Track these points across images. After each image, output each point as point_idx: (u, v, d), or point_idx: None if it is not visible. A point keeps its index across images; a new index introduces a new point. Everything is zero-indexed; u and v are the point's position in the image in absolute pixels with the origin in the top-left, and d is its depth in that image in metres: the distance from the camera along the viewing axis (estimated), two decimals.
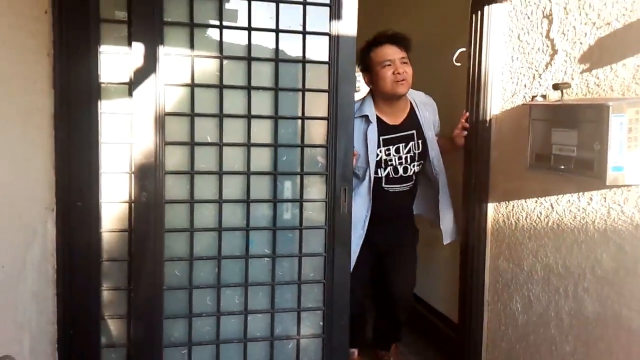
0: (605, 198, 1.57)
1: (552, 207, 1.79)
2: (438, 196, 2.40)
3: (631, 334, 1.51)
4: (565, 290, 1.74)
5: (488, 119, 2.13)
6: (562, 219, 1.75)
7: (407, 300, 2.59)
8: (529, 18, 1.88)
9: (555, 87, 1.69)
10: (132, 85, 1.82)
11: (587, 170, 1.53)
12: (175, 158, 1.91)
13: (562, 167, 1.61)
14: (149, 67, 1.82)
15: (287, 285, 2.07)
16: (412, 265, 2.57)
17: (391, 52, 2.26)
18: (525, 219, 1.93)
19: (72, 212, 1.81)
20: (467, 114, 2.26)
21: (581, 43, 1.65)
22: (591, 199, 1.63)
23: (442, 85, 2.64)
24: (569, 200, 1.72)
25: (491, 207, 2.14)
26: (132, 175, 1.85)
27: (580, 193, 1.67)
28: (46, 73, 1.74)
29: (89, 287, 1.85)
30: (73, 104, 1.79)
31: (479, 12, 2.10)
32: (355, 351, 2.68)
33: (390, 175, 2.34)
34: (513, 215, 2.00)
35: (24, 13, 1.58)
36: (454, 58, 2.27)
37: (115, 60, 1.83)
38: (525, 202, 1.92)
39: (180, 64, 1.88)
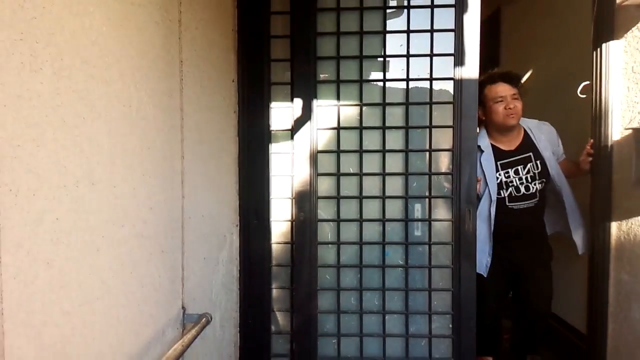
0: None
1: None
2: (566, 210, 2.56)
3: None
4: None
5: (609, 144, 2.26)
6: None
7: (545, 313, 2.75)
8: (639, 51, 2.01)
9: None
10: (293, 131, 2.36)
11: None
12: (325, 186, 2.40)
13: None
14: (305, 116, 2.34)
15: (419, 292, 2.43)
16: (547, 280, 2.73)
17: (503, 90, 2.50)
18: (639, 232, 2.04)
19: (250, 228, 2.40)
20: (592, 140, 2.39)
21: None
22: None
23: (572, 115, 2.77)
24: None
25: (614, 225, 2.26)
26: (293, 200, 2.38)
27: None
28: (233, 124, 2.34)
29: (262, 286, 2.43)
30: (252, 147, 2.38)
31: (599, 49, 2.24)
32: (490, 359, 2.90)
33: (513, 194, 2.57)
34: (632, 231, 2.11)
35: (219, 80, 2.19)
36: (579, 90, 2.41)
37: (282, 113, 2.38)
38: (638, 218, 2.03)
39: (329, 112, 2.37)
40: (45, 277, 0.93)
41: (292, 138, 2.37)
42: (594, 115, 2.33)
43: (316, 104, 2.35)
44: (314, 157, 2.36)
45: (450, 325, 2.42)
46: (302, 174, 2.37)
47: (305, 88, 2.34)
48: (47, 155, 0.93)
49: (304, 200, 2.37)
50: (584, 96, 2.42)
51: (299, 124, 2.35)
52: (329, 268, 2.43)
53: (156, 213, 1.40)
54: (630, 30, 2.08)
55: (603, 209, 2.31)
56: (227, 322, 2.26)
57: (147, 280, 1.35)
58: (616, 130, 2.22)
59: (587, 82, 2.38)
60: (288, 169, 2.40)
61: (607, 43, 2.20)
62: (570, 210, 2.56)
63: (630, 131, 2.12)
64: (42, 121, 0.91)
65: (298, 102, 2.34)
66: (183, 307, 1.62)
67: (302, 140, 2.36)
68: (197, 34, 1.80)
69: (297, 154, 2.37)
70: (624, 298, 2.18)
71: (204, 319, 1.59)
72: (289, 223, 2.42)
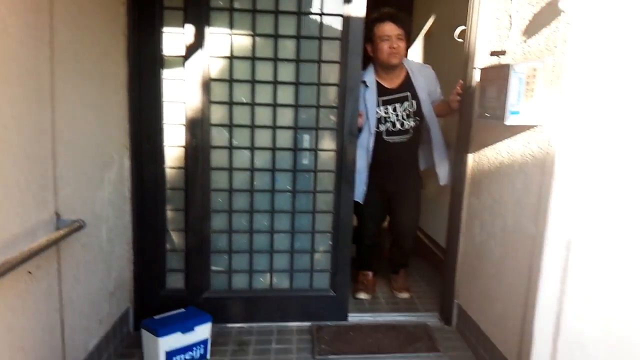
0: (523, 139, 1.99)
1: (499, 152, 2.24)
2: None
3: (528, 237, 1.97)
4: (500, 214, 2.21)
5: (473, 84, 2.53)
6: (503, 160, 2.19)
7: (411, 232, 3.15)
8: (501, 0, 2.25)
9: (492, 53, 2.10)
10: (185, 58, 2.39)
11: (499, 115, 1.95)
12: (218, 114, 2.49)
13: (487, 114, 2.06)
14: (197, 43, 2.37)
15: (305, 213, 2.68)
16: (415, 204, 3.09)
17: (390, 29, 2.68)
18: (485, 163, 2.39)
19: (143, 152, 2.46)
20: (462, 82, 2.66)
21: (524, 19, 2.02)
22: (515, 141, 2.06)
23: (449, 59, 3.01)
24: (507, 145, 2.15)
25: (470, 157, 2.59)
26: (186, 126, 2.46)
27: (511, 137, 2.10)
28: (121, 47, 2.31)
29: (156, 207, 2.54)
30: (143, 72, 2.38)
31: None
32: (370, 273, 3.26)
33: (389, 129, 2.84)
34: (480, 161, 2.45)
35: (106, 3, 2.13)
36: (456, 35, 2.63)
37: (175, 38, 2.38)
38: (487, 149, 2.37)
39: (222, 40, 2.41)
40: None
41: (184, 65, 2.40)
42: (465, 59, 2.58)
43: (209, 31, 2.38)
44: (206, 85, 2.42)
45: (330, 242, 2.71)
46: (194, 101, 2.43)
47: (197, 14, 2.35)
48: None
49: (196, 127, 2.46)
50: (461, 40, 2.65)
51: (191, 50, 2.38)
52: (222, 192, 2.59)
53: (18, 121, 1.45)
54: None
55: (464, 143, 2.63)
56: (118, 238, 2.37)
57: (11, 182, 1.44)
58: (479, 73, 2.49)
59: (464, 27, 2.60)
60: (181, 96, 2.44)
61: None
62: (436, 146, 2.88)
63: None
64: None
65: (190, 28, 2.35)
66: (57, 214, 1.70)
67: (195, 67, 2.40)
68: None
69: (190, 81, 2.41)
70: (471, 218, 2.58)
71: (77, 224, 1.72)
72: (183, 149, 2.50)
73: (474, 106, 2.49)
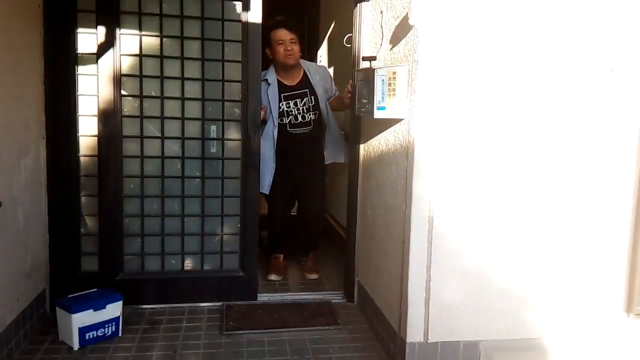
0: (394, 131, 2.37)
1: (379, 141, 2.60)
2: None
3: (401, 215, 2.30)
4: (383, 195, 2.55)
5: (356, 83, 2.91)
6: (382, 148, 2.56)
7: (317, 216, 3.47)
8: (376, 13, 2.65)
9: (364, 59, 2.50)
10: (98, 56, 2.65)
11: (369, 110, 2.32)
12: (130, 107, 2.75)
13: (363, 110, 2.43)
14: (109, 43, 2.63)
15: (214, 198, 2.94)
16: (319, 190, 3.43)
17: (283, 34, 3.06)
18: (372, 152, 2.74)
19: (57, 141, 2.67)
20: (351, 81, 3.04)
21: (390, 30, 2.42)
22: (390, 133, 2.42)
23: (345, 61, 3.40)
24: (385, 136, 2.52)
25: (362, 146, 2.95)
26: (98, 117, 2.69)
27: (387, 130, 2.47)
28: (38, 45, 2.55)
29: (71, 193, 2.74)
30: (58, 68, 2.62)
31: (356, 7, 2.86)
32: (281, 256, 3.53)
33: (292, 122, 3.19)
34: (368, 150, 2.81)
35: (22, 6, 2.38)
36: (345, 40, 3.03)
37: (88, 38, 2.64)
38: (372, 139, 2.73)
39: (132, 41, 2.69)
40: None
41: (97, 62, 2.65)
42: (352, 61, 2.97)
43: (119, 32, 2.66)
44: (118, 80, 2.68)
45: (239, 225, 2.98)
46: (106, 95, 2.68)
47: (109, 17, 2.62)
48: None
49: (109, 118, 2.70)
50: (349, 45, 3.05)
51: (103, 49, 2.64)
52: (134, 178, 2.82)
53: None
54: None
55: (355, 134, 3.00)
56: (35, 222, 2.56)
57: None
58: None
59: (350, 34, 3.00)
60: (94, 90, 2.69)
61: (361, 4, 2.81)
62: (328, 134, 3.29)
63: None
64: None
65: (102, 29, 2.62)
66: None
67: (107, 64, 2.66)
68: None
69: (102, 77, 2.66)
70: (364, 201, 2.93)
71: None
72: (96, 138, 2.73)
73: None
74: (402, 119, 2.25)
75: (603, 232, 2.27)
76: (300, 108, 3.18)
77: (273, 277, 3.35)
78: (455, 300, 2.21)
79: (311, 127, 3.24)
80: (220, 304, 2.96)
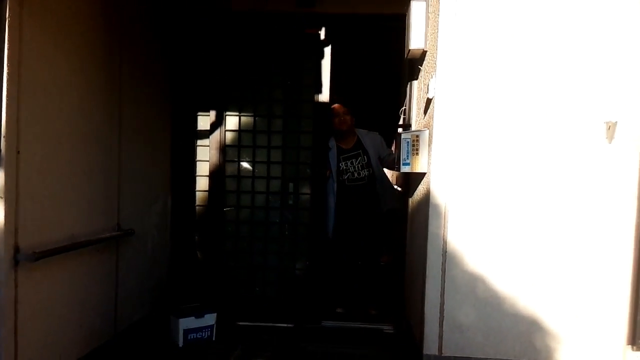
0: (422, 182, 2.91)
1: (418, 193, 3.15)
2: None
3: (424, 251, 2.84)
4: (416, 237, 2.93)
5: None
6: (418, 198, 3.07)
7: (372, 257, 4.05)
8: (420, 88, 3.32)
9: (399, 126, 3.13)
10: (209, 131, 3.66)
11: (398, 166, 2.92)
12: (231, 168, 3.69)
13: (396, 167, 3.04)
14: (218, 122, 3.64)
15: (290, 239, 3.71)
16: (375, 238, 4.01)
17: (339, 108, 3.85)
18: (414, 201, 3.30)
19: (180, 194, 3.68)
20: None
21: (424, 102, 3.05)
22: (421, 184, 2.98)
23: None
24: (419, 188, 3.07)
25: (410, 199, 3.53)
26: (208, 176, 3.67)
27: (421, 182, 3.02)
28: (167, 124, 3.63)
29: (188, 232, 3.71)
30: (181, 140, 3.67)
31: (409, 84, 3.55)
32: (348, 293, 4.13)
33: (350, 178, 3.89)
34: (413, 200, 3.38)
35: (155, 94, 3.49)
36: (400, 112, 3.72)
37: (203, 118, 3.68)
38: (413, 193, 3.31)
39: (234, 120, 3.68)
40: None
41: (209, 136, 3.67)
42: (403, 129, 3.63)
43: (226, 113, 3.66)
44: (223, 149, 3.66)
45: (307, 262, 3.70)
46: (214, 160, 3.66)
47: (218, 103, 3.65)
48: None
49: (215, 177, 3.67)
50: (404, 116, 3.72)
51: (213, 126, 3.65)
52: (231, 223, 3.72)
53: (99, 167, 2.69)
54: (420, 75, 3.39)
55: (405, 188, 3.60)
56: (160, 251, 3.54)
57: (99, 203, 2.66)
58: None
59: (405, 107, 3.68)
60: (206, 156, 3.69)
61: (412, 82, 3.50)
62: (379, 186, 3.90)
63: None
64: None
65: (213, 112, 3.65)
66: (118, 224, 2.90)
67: (215, 137, 3.66)
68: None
69: (212, 146, 3.66)
70: (410, 242, 3.47)
71: (130, 230, 2.90)
72: (207, 193, 3.70)
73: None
74: (425, 172, 2.84)
75: (607, 267, 2.55)
76: (356, 166, 3.89)
77: (339, 309, 3.96)
78: (467, 322, 2.64)
79: (365, 181, 3.91)
80: (292, 325, 3.64)
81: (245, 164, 3.70)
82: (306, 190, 3.70)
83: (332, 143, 3.94)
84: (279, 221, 3.72)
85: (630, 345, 2.52)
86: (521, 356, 2.61)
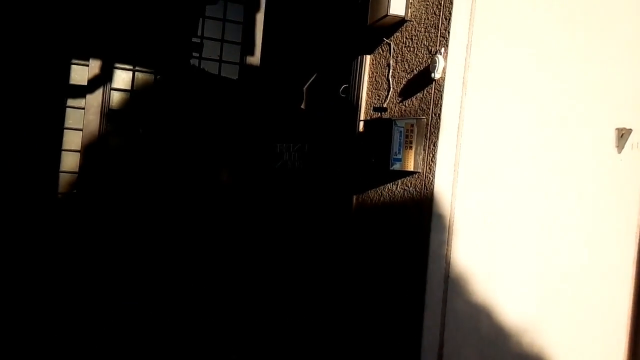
0: (403, 183, 2.31)
1: (381, 194, 2.55)
2: None
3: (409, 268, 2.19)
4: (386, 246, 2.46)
5: (356, 135, 2.89)
6: (385, 200, 2.49)
7: None
8: (380, 66, 2.68)
9: (375, 109, 2.52)
10: None
11: (384, 162, 2.25)
12: None
13: (373, 160, 2.40)
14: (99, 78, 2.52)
15: None
16: None
17: None
18: (369, 203, 2.68)
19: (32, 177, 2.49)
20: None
21: (401, 83, 2.43)
22: (397, 185, 2.33)
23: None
24: (388, 188, 2.46)
25: (354, 197, 2.89)
26: None
27: (393, 182, 2.40)
28: None
29: None
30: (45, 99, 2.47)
31: (355, 60, 2.87)
32: None
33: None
34: (364, 201, 2.75)
35: None
36: (340, 91, 3.03)
37: (80, 71, 2.52)
38: (369, 191, 2.68)
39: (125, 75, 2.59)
40: None
41: (85, 95, 2.53)
42: (351, 112, 2.95)
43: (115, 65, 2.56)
44: (106, 114, 2.56)
45: None
46: (92, 129, 2.54)
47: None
48: None
49: (91, 155, 2.55)
50: (344, 96, 3.05)
51: (94, 82, 2.52)
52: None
53: None
54: (377, 48, 2.74)
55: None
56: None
57: None
58: (361, 125, 2.87)
59: (347, 85, 3.00)
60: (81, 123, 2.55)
61: (365, 56, 2.82)
62: None
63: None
64: None
65: (94, 62, 2.51)
66: None
67: (96, 97, 2.54)
68: None
69: (89, 110, 2.53)
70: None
71: None
72: (75, 176, 2.56)
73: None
74: (416, 172, 2.22)
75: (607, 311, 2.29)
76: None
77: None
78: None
79: None
80: None
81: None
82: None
83: None
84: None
85: None
86: None
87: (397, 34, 2.58)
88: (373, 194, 2.64)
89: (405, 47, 2.46)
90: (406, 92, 2.39)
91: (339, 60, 3.28)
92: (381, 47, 2.76)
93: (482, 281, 2.12)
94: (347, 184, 2.93)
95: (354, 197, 2.87)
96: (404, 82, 2.42)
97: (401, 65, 2.46)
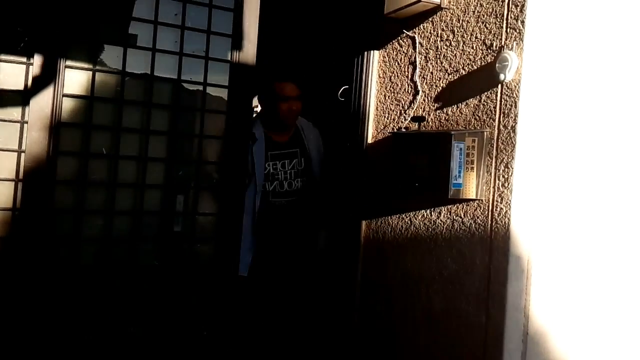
0: (449, 212, 1.90)
1: (411, 222, 2.10)
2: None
3: (468, 326, 1.81)
4: (418, 293, 2.05)
5: (364, 147, 2.42)
6: (418, 231, 2.05)
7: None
8: (398, 64, 2.23)
9: (414, 119, 2.05)
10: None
11: (435, 186, 1.84)
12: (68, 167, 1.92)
13: (417, 184, 1.93)
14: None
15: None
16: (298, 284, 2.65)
17: (291, 90, 2.47)
18: (390, 233, 2.22)
19: None
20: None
21: (436, 86, 2.00)
22: (440, 213, 1.94)
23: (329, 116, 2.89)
24: (424, 215, 2.03)
25: (364, 223, 2.41)
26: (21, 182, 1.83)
27: (432, 208, 1.98)
28: None
29: None
30: None
31: (360, 57, 2.40)
32: None
33: (277, 189, 2.51)
34: (380, 230, 2.28)
35: None
36: (339, 94, 2.54)
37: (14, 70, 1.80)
38: (391, 218, 2.22)
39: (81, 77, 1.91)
40: None
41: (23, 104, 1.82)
42: (352, 119, 2.46)
43: (65, 63, 1.86)
44: (54, 129, 1.86)
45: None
46: (35, 150, 1.83)
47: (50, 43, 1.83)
48: None
49: (33, 184, 1.85)
50: (343, 99, 2.56)
51: (37, 85, 1.81)
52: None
53: None
54: (391, 43, 2.28)
55: (354, 208, 2.46)
56: None
57: None
58: (370, 135, 2.40)
59: (347, 87, 2.52)
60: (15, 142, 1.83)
61: (369, 51, 2.36)
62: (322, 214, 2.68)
63: (383, 136, 2.31)
64: None
65: (37, 58, 1.81)
66: None
67: (40, 106, 1.83)
68: None
69: (32, 125, 1.82)
70: (368, 294, 2.37)
71: None
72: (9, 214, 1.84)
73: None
74: (476, 200, 1.77)
75: None
76: (288, 172, 2.53)
77: None
78: None
79: (296, 197, 2.57)
80: None
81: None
82: (209, 207, 2.20)
83: (260, 130, 2.49)
84: (158, 264, 2.12)
85: None
86: None
87: (425, 25, 2.16)
88: (396, 222, 2.18)
89: (441, 41, 2.05)
90: (448, 98, 1.98)
91: (339, 57, 2.78)
92: (398, 42, 2.32)
93: (564, 339, 1.74)
94: (353, 206, 2.46)
95: (363, 223, 2.41)
96: (443, 85, 2.00)
97: (435, 63, 2.04)
